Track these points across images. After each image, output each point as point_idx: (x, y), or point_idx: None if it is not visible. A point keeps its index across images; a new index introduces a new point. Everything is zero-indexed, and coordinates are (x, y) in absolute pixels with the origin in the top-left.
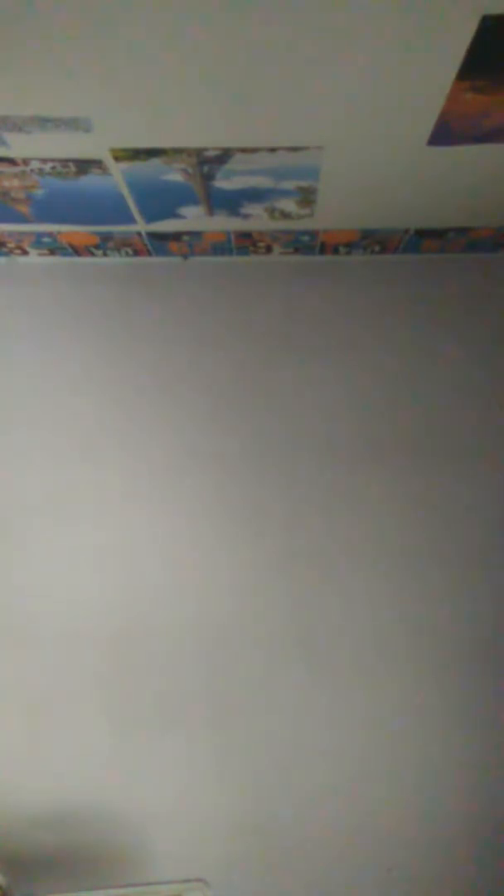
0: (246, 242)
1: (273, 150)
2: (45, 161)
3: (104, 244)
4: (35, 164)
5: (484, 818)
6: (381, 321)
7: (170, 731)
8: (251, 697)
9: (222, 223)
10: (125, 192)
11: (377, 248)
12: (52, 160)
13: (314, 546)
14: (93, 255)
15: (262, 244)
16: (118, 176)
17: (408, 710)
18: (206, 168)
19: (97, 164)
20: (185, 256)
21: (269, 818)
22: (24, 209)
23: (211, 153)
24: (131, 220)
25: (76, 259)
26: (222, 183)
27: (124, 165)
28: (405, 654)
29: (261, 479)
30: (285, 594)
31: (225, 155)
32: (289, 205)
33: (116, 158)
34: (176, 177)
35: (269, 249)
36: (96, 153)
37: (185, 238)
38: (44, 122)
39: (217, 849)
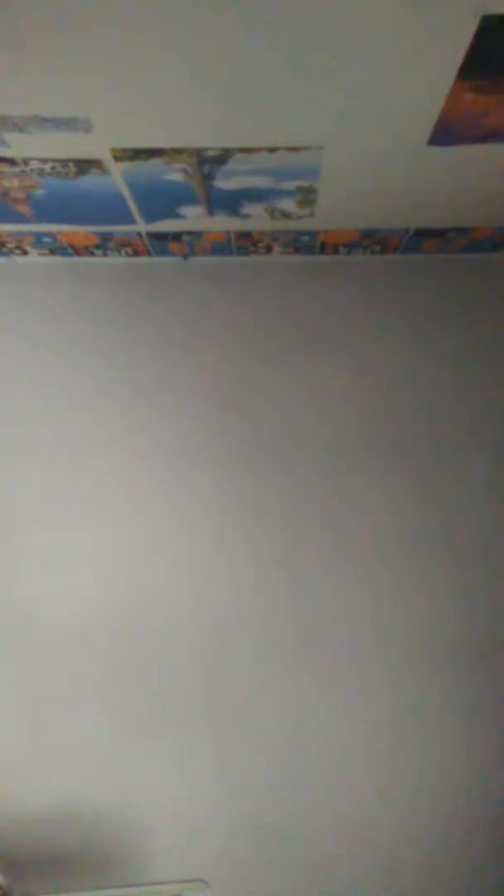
0: (246, 242)
1: (273, 150)
2: (45, 161)
3: (104, 244)
4: (35, 164)
5: (484, 817)
6: (381, 321)
7: (169, 731)
8: (251, 697)
9: (222, 223)
10: (125, 192)
11: (377, 248)
12: (52, 160)
13: (313, 545)
14: (93, 255)
15: (262, 244)
16: (118, 176)
17: (408, 710)
18: (206, 168)
19: (97, 164)
20: (185, 256)
21: (269, 818)
22: (24, 209)
23: (211, 153)
24: (131, 220)
25: (76, 259)
26: (222, 183)
27: (124, 165)
28: (405, 653)
29: (260, 478)
30: (285, 593)
31: (225, 155)
32: (289, 205)
33: (116, 158)
34: (176, 177)
35: (269, 249)
36: (96, 153)
37: (185, 238)
38: (44, 122)
39: (217, 849)
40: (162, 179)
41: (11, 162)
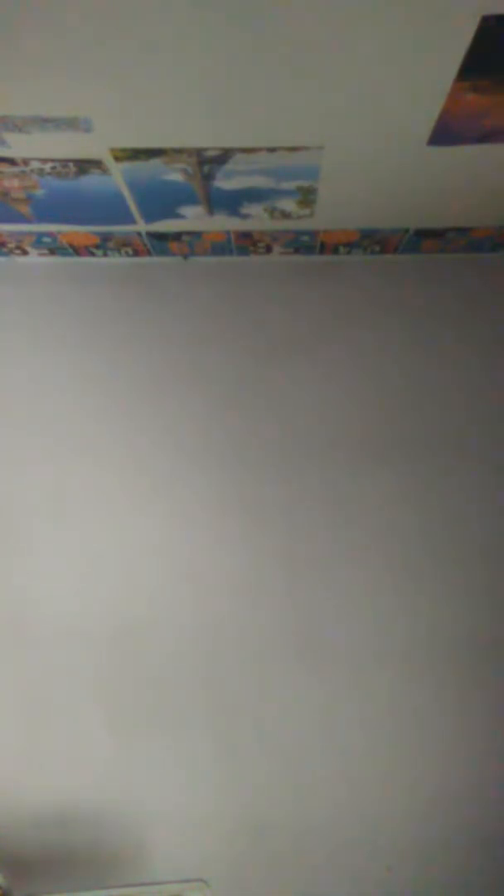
0: (246, 242)
1: (273, 150)
2: (45, 161)
3: (104, 244)
4: (35, 164)
5: (483, 817)
6: (381, 321)
7: (169, 731)
8: (251, 696)
9: (222, 223)
10: (125, 192)
11: (377, 248)
12: (52, 160)
13: (313, 546)
14: (93, 255)
15: (262, 244)
16: (118, 176)
17: (407, 710)
18: (206, 168)
19: (97, 164)
20: (185, 256)
21: (269, 818)
22: (24, 209)
23: (211, 153)
24: (131, 220)
25: (76, 259)
26: (222, 183)
27: (124, 165)
28: (405, 654)
29: (260, 479)
30: (285, 593)
31: (225, 155)
32: (289, 205)
33: (116, 158)
34: (176, 177)
35: (269, 249)
36: (96, 153)
37: (185, 238)
38: (44, 122)
39: (217, 849)
40: (162, 179)
41: (11, 162)
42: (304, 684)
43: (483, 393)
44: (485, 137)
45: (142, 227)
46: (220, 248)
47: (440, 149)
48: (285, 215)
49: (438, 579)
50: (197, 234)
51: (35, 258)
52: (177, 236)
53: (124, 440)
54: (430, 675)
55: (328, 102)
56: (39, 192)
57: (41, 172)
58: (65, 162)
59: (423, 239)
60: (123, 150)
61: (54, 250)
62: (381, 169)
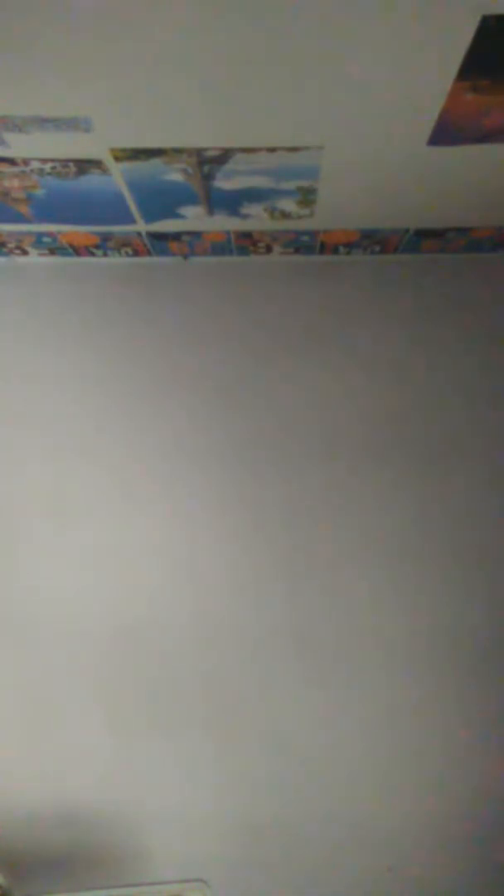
0: (246, 242)
1: (273, 150)
2: (45, 161)
3: (104, 244)
4: (35, 164)
5: (484, 817)
6: (381, 321)
7: (169, 731)
8: (251, 697)
9: (222, 223)
10: (125, 192)
11: (377, 248)
12: (52, 160)
13: (313, 546)
14: (93, 255)
15: (262, 244)
16: (118, 176)
17: (407, 711)
18: (206, 168)
19: (97, 164)
20: (185, 256)
21: (269, 818)
22: (24, 209)
23: (211, 153)
24: (131, 220)
25: (76, 259)
26: (222, 183)
27: (124, 165)
28: (404, 654)
29: (260, 479)
30: (284, 593)
31: (225, 155)
32: (289, 205)
33: (116, 158)
34: (176, 177)
35: (269, 249)
36: (96, 153)
37: (185, 238)
38: (44, 122)
39: (217, 849)
40: (162, 179)
41: (11, 162)
42: (304, 684)
43: (483, 393)
44: (485, 137)
45: (142, 227)
46: (220, 248)
47: (440, 149)
48: (285, 215)
49: (438, 579)
50: (197, 234)
51: (35, 258)
52: (177, 236)
53: (124, 440)
54: (430, 675)
55: (328, 102)
56: (39, 192)
57: (41, 172)
58: (65, 162)
59: (423, 239)
60: (123, 150)
61: (54, 250)
62: (381, 169)
